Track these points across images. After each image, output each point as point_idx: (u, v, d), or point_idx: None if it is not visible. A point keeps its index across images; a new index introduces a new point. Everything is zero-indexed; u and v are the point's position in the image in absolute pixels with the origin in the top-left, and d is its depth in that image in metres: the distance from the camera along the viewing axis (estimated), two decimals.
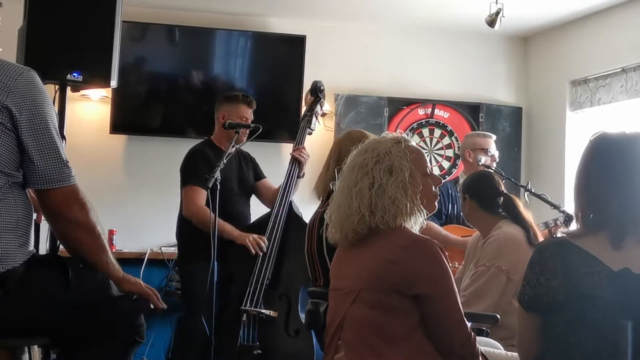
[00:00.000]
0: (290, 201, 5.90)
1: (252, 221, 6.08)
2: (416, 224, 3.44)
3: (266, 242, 5.66)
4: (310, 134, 6.11)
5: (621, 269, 2.95)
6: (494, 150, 6.53)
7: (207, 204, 5.57)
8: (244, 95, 6.16)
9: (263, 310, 5.45)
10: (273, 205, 5.87)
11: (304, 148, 6.04)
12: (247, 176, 6.18)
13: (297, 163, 5.98)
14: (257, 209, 6.24)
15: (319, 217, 4.79)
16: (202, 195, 5.69)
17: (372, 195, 3.35)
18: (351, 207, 3.38)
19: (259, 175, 6.29)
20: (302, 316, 5.54)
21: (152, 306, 3.42)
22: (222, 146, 5.95)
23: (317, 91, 6.15)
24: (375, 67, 8.54)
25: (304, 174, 6.04)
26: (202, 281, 5.42)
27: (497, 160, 6.58)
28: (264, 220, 5.85)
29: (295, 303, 5.63)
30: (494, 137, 6.70)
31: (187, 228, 5.83)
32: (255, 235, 5.67)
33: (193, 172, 5.84)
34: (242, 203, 6.14)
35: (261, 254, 5.63)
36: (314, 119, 6.14)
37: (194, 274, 5.77)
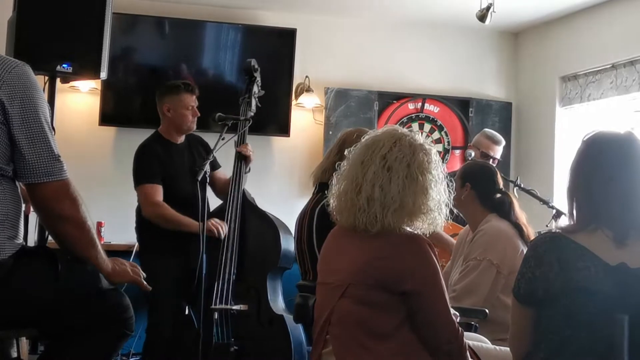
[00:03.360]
0: (244, 189, 5.77)
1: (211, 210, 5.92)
2: (424, 228, 3.42)
3: (225, 225, 5.57)
4: (251, 117, 5.89)
5: (618, 263, 2.96)
6: (497, 155, 6.57)
7: (165, 200, 5.55)
8: (185, 84, 5.91)
9: (234, 307, 5.38)
10: (225, 195, 5.77)
11: (247, 144, 5.82)
12: (199, 161, 5.84)
13: (242, 159, 5.80)
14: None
15: (309, 210, 4.78)
16: (156, 191, 5.63)
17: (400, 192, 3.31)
18: (373, 198, 3.31)
19: (214, 165, 6.00)
20: (273, 304, 5.52)
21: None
22: (171, 138, 5.84)
23: (251, 70, 5.99)
24: (366, 61, 8.53)
25: (249, 169, 5.87)
26: (165, 275, 5.40)
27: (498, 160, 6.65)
28: (220, 211, 5.74)
29: (264, 292, 5.55)
30: (503, 142, 6.73)
31: (145, 225, 5.77)
32: (214, 220, 5.56)
33: (143, 171, 5.73)
34: (199, 189, 5.88)
35: (223, 235, 5.51)
36: (253, 100, 5.95)
37: (156, 268, 5.57)
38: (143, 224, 5.81)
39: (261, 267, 5.56)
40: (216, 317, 5.36)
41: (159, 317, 5.65)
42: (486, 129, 7.29)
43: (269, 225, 5.64)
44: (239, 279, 5.54)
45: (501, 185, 5.08)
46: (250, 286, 5.58)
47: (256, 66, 6.00)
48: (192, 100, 5.85)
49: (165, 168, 5.68)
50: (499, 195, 4.99)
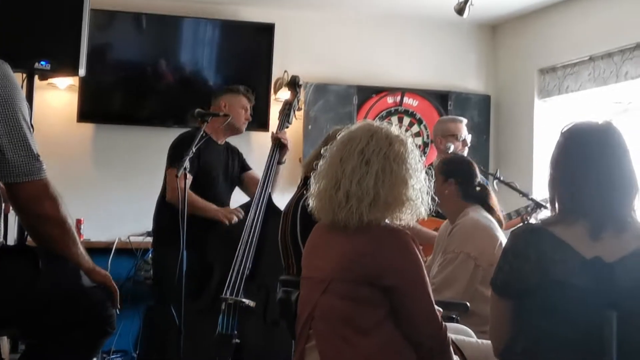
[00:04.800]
0: (270, 193, 5.86)
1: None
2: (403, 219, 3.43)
3: (242, 212, 5.68)
4: (287, 127, 6.10)
5: (593, 257, 2.96)
6: (465, 134, 6.52)
7: (192, 189, 5.57)
8: (246, 89, 6.23)
9: (243, 300, 5.42)
10: (254, 195, 5.84)
11: (284, 132, 6.01)
12: (233, 166, 6.18)
13: (278, 147, 5.95)
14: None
15: (293, 204, 4.77)
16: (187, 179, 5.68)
17: (377, 185, 3.33)
18: (350, 192, 3.33)
19: (245, 166, 6.31)
20: None
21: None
22: (213, 136, 5.99)
23: (295, 85, 6.21)
24: (344, 55, 8.52)
25: (285, 160, 6.02)
26: (174, 267, 5.41)
27: (469, 144, 6.58)
28: (245, 207, 5.82)
29: (273, 294, 5.58)
30: (465, 120, 6.68)
31: (167, 212, 5.77)
32: (229, 208, 5.69)
33: (178, 155, 5.70)
34: (225, 192, 6.13)
35: (236, 220, 5.65)
36: (292, 112, 6.14)
37: (168, 260, 5.70)
38: (163, 214, 5.87)
39: (275, 271, 5.58)
40: (224, 307, 5.39)
41: (164, 308, 5.62)
42: (442, 117, 7.36)
43: None
44: (251, 276, 5.59)
45: (478, 177, 5.10)
46: (261, 285, 5.62)
47: (300, 82, 6.24)
48: (248, 104, 6.12)
49: (201, 158, 5.78)
50: (478, 188, 5.01)
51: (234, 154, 6.25)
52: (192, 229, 5.23)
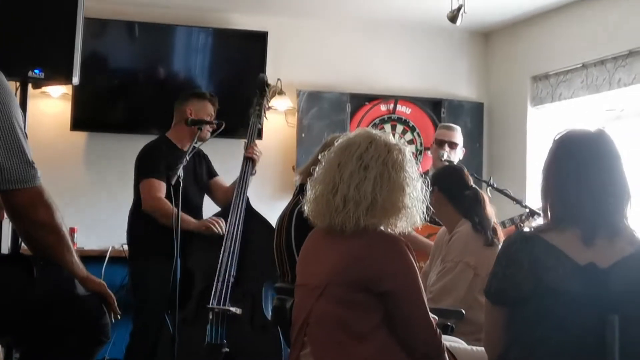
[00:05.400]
0: (247, 197, 5.86)
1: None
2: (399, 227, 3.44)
3: (223, 221, 5.66)
4: (259, 129, 6.09)
5: (587, 263, 2.97)
6: (457, 140, 6.54)
7: (167, 197, 5.56)
8: (211, 94, 6.19)
9: (230, 308, 5.42)
10: (228, 202, 5.83)
11: (255, 145, 6.01)
12: (201, 173, 6.14)
13: (250, 161, 5.95)
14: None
15: (288, 212, 4.78)
16: (162, 188, 5.69)
17: (376, 191, 3.34)
18: (348, 197, 3.35)
19: (212, 172, 6.27)
20: (267, 312, 5.55)
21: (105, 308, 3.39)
22: (178, 143, 5.94)
23: (264, 85, 6.18)
24: (338, 63, 8.53)
25: (255, 172, 6.01)
26: (157, 277, 5.41)
27: (464, 149, 6.62)
28: (222, 215, 5.81)
29: (259, 299, 5.60)
30: (458, 128, 6.71)
31: (143, 222, 5.79)
32: (210, 218, 5.68)
33: (150, 166, 5.81)
34: (198, 199, 6.10)
35: (222, 232, 5.62)
36: (262, 113, 6.16)
37: (147, 271, 5.71)
38: (137, 225, 5.87)
39: (261, 274, 5.61)
40: (211, 316, 5.39)
41: (146, 321, 5.69)
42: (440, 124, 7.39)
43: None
44: (236, 283, 5.58)
45: (470, 182, 5.10)
46: (247, 291, 5.62)
47: (268, 81, 6.21)
48: (213, 110, 6.07)
49: (170, 169, 5.70)
50: (468, 192, 5.01)
51: (200, 159, 6.17)
52: (172, 238, 5.24)
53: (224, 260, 5.57)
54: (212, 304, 5.44)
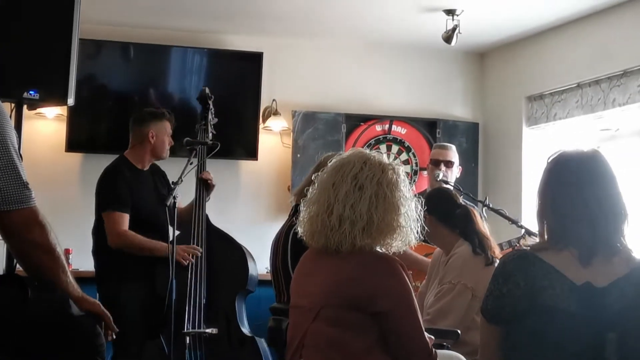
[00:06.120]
0: (206, 215, 5.79)
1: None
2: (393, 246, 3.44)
3: (199, 248, 5.59)
4: (209, 144, 5.92)
5: (583, 282, 2.96)
6: (453, 158, 6.54)
7: (132, 228, 5.51)
8: (168, 111, 6.04)
9: (206, 330, 5.37)
10: (189, 222, 5.73)
11: (208, 172, 5.86)
12: (163, 190, 5.92)
13: (203, 184, 5.81)
14: None
15: (284, 232, 4.78)
16: (125, 220, 5.57)
17: (370, 211, 3.34)
18: (343, 216, 3.34)
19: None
20: (242, 326, 5.51)
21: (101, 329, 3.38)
22: (137, 164, 5.83)
23: (206, 98, 6.06)
24: (333, 83, 8.55)
25: (209, 198, 5.88)
26: (123, 304, 5.32)
27: (460, 167, 6.62)
28: (183, 237, 5.66)
29: (233, 315, 5.54)
30: (452, 146, 6.71)
31: (106, 249, 5.64)
32: (184, 246, 5.56)
33: (113, 196, 5.65)
34: (164, 216, 5.73)
35: (194, 260, 5.53)
36: (209, 128, 5.99)
37: (119, 298, 5.55)
38: (103, 248, 5.67)
39: (230, 289, 5.57)
40: (188, 341, 5.32)
41: (125, 347, 5.43)
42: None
43: (236, 248, 5.67)
44: (208, 302, 5.53)
45: (459, 201, 5.10)
46: (219, 309, 5.57)
47: (210, 94, 6.04)
48: (171, 127, 5.93)
49: (134, 194, 5.64)
50: (458, 210, 5.01)
51: (159, 176, 6.03)
52: (141, 262, 5.18)
53: (193, 283, 5.52)
54: (187, 329, 5.37)
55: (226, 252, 5.43)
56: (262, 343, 5.42)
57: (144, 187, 5.71)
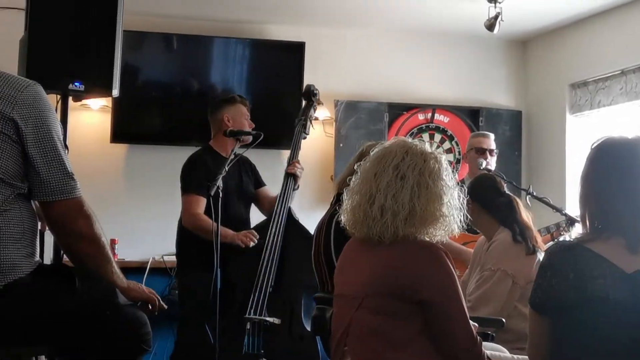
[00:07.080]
0: (289, 207, 5.88)
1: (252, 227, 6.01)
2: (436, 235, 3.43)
3: (256, 234, 5.67)
4: (304, 138, 6.12)
5: (634, 271, 2.95)
6: (494, 146, 6.54)
7: (206, 212, 5.57)
8: (239, 96, 6.16)
9: (267, 318, 5.41)
10: (271, 212, 5.85)
11: (298, 162, 6.00)
12: (248, 183, 6.10)
13: (292, 177, 5.96)
14: (257, 217, 6.22)
15: (326, 221, 4.78)
16: (200, 203, 5.68)
17: (413, 200, 3.34)
18: (385, 207, 3.34)
19: (259, 182, 6.21)
20: (306, 321, 5.55)
21: (150, 307, 3.42)
22: (222, 152, 5.91)
23: (310, 95, 6.17)
24: (375, 72, 8.54)
25: (298, 186, 6.02)
26: (199, 291, 5.40)
27: (495, 154, 6.60)
28: (264, 226, 5.82)
29: (298, 309, 5.61)
30: (491, 135, 6.71)
31: (186, 237, 5.81)
32: (244, 232, 5.67)
33: (191, 180, 5.81)
34: (242, 209, 6.05)
35: (252, 244, 5.62)
36: (308, 123, 6.14)
37: (189, 285, 5.75)
38: (184, 238, 5.87)
39: (299, 285, 5.63)
40: (248, 327, 5.38)
41: (192, 330, 5.70)
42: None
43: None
44: (274, 293, 5.62)
45: (503, 189, 5.09)
46: (285, 300, 5.65)
47: (315, 91, 6.19)
48: (247, 110, 6.02)
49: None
50: (501, 198, 5.00)
51: (247, 167, 6.14)
52: (213, 251, 5.24)
53: (262, 271, 5.59)
54: (249, 314, 5.46)
55: (302, 247, 5.45)
56: (321, 344, 5.46)
57: (227, 172, 5.78)
